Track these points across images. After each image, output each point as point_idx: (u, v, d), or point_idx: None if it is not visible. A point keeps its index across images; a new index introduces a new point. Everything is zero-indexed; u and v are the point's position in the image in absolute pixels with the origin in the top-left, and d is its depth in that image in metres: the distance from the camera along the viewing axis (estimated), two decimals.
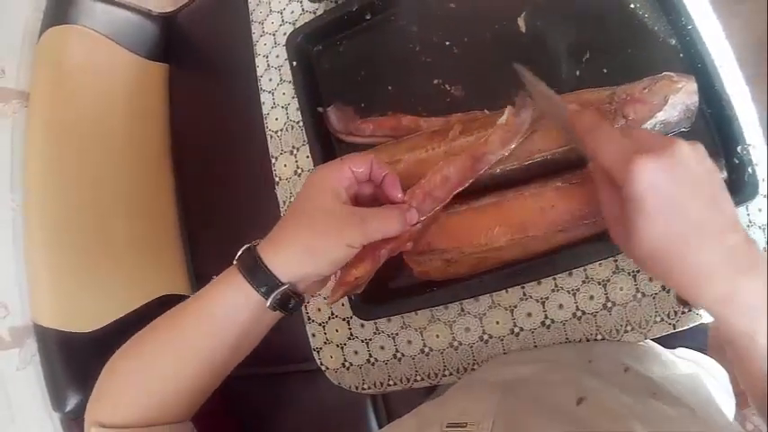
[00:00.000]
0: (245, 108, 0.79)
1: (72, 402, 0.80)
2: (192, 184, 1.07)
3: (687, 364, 0.64)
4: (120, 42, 1.00)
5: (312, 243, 0.45)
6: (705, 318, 0.54)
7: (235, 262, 0.46)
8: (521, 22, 0.60)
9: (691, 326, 0.55)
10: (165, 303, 0.97)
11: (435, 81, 0.61)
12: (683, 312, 0.55)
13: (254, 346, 0.51)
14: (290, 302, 0.46)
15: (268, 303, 0.45)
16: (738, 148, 0.51)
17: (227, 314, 0.46)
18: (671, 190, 0.36)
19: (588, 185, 0.50)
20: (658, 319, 0.55)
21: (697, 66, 0.53)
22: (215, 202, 1.04)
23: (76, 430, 0.81)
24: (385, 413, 0.96)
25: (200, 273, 1.04)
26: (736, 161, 0.51)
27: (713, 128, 0.53)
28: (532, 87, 0.48)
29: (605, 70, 0.56)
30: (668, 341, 0.63)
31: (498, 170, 0.52)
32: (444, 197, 0.51)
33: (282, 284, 0.44)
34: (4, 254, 0.83)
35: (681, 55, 0.55)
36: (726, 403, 0.68)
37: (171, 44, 1.12)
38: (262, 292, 0.45)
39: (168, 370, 0.48)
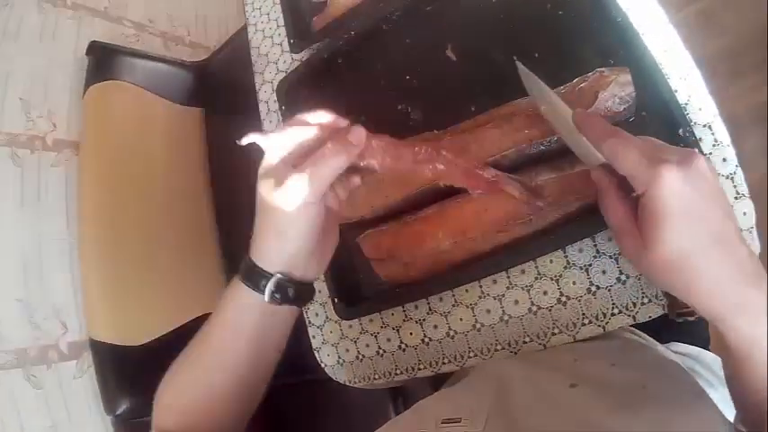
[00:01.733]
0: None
1: (122, 407, 0.92)
2: (227, 212, 1.21)
3: (681, 359, 0.66)
4: (158, 92, 1.15)
5: (275, 224, 0.47)
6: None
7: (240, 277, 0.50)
8: (449, 53, 0.69)
9: (651, 318, 0.56)
10: (206, 319, 1.09)
11: (399, 107, 0.71)
12: (643, 304, 0.57)
13: (281, 348, 0.54)
14: (288, 292, 0.48)
15: (266, 297, 0.47)
16: (680, 131, 0.53)
17: (237, 318, 0.50)
18: (695, 199, 0.37)
19: None
20: (616, 311, 0.58)
21: (633, 56, 0.56)
22: (248, 229, 1.16)
23: (126, 430, 0.93)
24: None
25: None
26: (682, 145, 0.52)
27: (657, 115, 0.56)
28: (533, 88, 0.52)
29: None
30: (663, 335, 0.67)
31: (442, 184, 0.60)
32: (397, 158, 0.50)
33: (272, 275, 0.47)
34: (63, 280, 0.97)
35: (620, 51, 0.58)
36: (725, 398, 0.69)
37: (204, 89, 1.25)
38: (257, 289, 0.48)
39: (201, 379, 0.53)
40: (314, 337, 0.76)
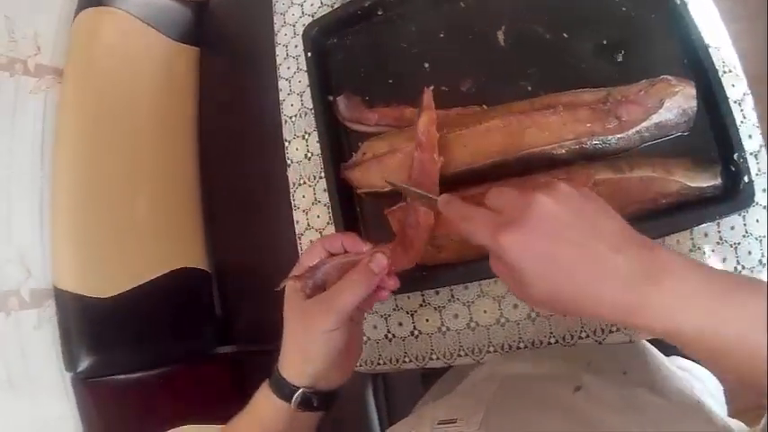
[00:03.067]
0: (265, 93, 0.84)
1: (84, 363, 0.87)
2: (214, 163, 1.15)
3: (681, 374, 0.67)
4: (154, 25, 1.07)
5: (300, 346, 0.52)
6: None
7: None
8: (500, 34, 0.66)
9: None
10: (181, 275, 1.04)
11: (445, 75, 0.66)
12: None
13: None
14: (312, 402, 0.52)
15: (292, 405, 0.51)
16: (735, 156, 0.53)
17: (268, 418, 0.53)
18: (540, 247, 0.39)
19: (574, 181, 0.53)
20: (584, 335, 0.59)
21: (698, 71, 0.56)
22: (233, 182, 1.12)
23: (85, 389, 0.87)
24: (386, 411, 1.00)
25: (217, 247, 1.12)
26: (733, 169, 0.54)
27: (711, 134, 0.56)
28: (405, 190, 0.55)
29: (608, 71, 0.60)
30: (663, 349, 0.67)
31: (487, 163, 0.57)
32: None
33: (298, 388, 0.51)
34: (30, 221, 0.90)
35: (684, 60, 0.58)
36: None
37: (202, 29, 1.19)
38: (284, 398, 0.51)
39: None
40: None
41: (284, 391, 0.52)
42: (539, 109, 0.57)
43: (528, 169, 0.57)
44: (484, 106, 0.62)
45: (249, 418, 0.55)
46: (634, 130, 0.55)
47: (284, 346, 0.53)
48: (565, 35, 0.63)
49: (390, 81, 0.70)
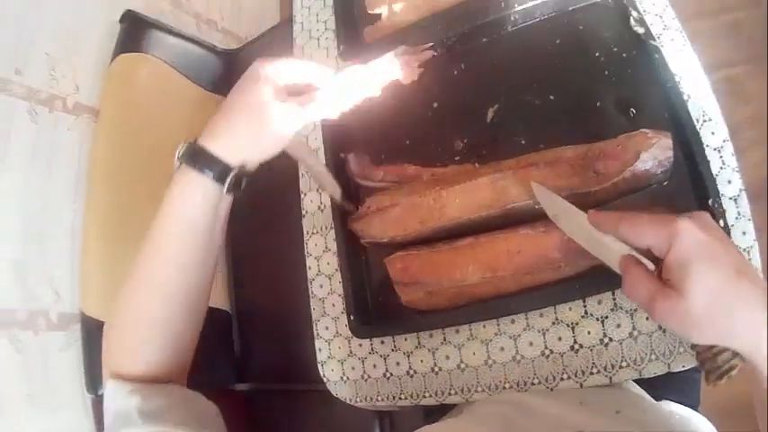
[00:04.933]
0: None
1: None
2: (237, 210, 1.21)
3: (674, 416, 0.70)
4: (185, 73, 1.16)
5: (254, 136, 0.54)
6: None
7: (179, 161, 0.54)
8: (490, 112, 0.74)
9: (656, 374, 0.62)
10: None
11: (443, 133, 0.75)
12: (650, 360, 0.62)
13: (218, 246, 0.58)
14: (241, 183, 0.55)
15: (225, 189, 0.53)
16: (710, 202, 0.58)
17: (192, 210, 0.54)
18: (712, 242, 0.43)
19: (553, 233, 0.60)
20: (624, 364, 0.63)
21: (677, 121, 0.62)
22: (255, 229, 1.17)
23: None
24: None
25: (239, 290, 1.19)
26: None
27: (690, 181, 0.62)
28: (547, 203, 0.59)
29: (592, 126, 0.67)
30: (657, 392, 0.70)
31: (476, 217, 0.64)
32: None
33: (233, 168, 0.53)
34: (62, 246, 0.98)
35: (665, 114, 0.64)
36: None
37: (233, 79, 1.25)
38: (215, 180, 0.53)
39: (156, 294, 0.56)
40: (320, 350, 0.79)
41: (218, 171, 0.52)
42: (524, 166, 0.64)
43: (511, 222, 0.63)
44: (476, 165, 0.69)
45: (163, 214, 0.55)
46: (611, 182, 0.60)
47: (230, 131, 0.54)
48: (551, 97, 0.71)
49: (398, 140, 0.78)
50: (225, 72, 1.27)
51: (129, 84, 1.07)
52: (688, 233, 0.44)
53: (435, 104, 0.77)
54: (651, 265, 0.48)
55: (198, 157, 0.53)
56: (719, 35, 1.44)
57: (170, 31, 1.16)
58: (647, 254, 0.48)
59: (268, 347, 1.13)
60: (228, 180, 0.53)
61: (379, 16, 0.84)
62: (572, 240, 0.58)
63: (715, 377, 0.46)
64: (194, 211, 0.54)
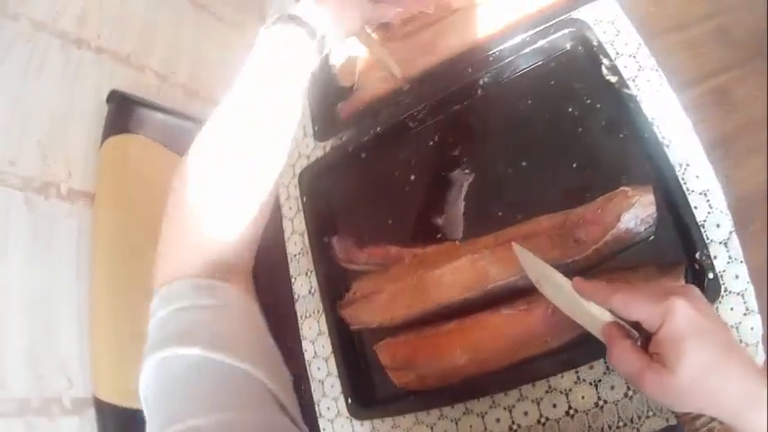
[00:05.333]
0: (278, 226, 0.93)
1: None
2: None
3: None
4: (175, 150, 1.17)
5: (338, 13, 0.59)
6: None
7: (281, 22, 0.55)
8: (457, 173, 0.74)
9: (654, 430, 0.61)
10: None
11: (422, 210, 0.76)
12: (647, 417, 0.61)
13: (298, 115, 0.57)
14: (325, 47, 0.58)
15: (319, 50, 0.57)
16: (697, 255, 0.57)
17: (285, 58, 0.56)
18: (702, 319, 0.44)
19: (535, 311, 0.60)
20: (621, 424, 0.62)
21: (657, 172, 0.61)
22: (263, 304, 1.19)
23: None
24: None
25: None
26: (697, 267, 0.58)
27: (675, 233, 0.60)
28: (528, 263, 0.58)
29: (571, 188, 0.66)
30: None
31: (459, 299, 0.64)
32: None
33: (331, 33, 0.58)
34: (70, 333, 0.99)
35: (645, 166, 0.63)
36: None
37: None
38: (309, 36, 0.55)
39: (235, 145, 0.54)
40: (324, 429, 0.79)
41: (309, 29, 0.55)
42: (501, 243, 0.64)
43: (494, 301, 0.64)
44: (457, 242, 0.70)
45: (263, 67, 0.55)
46: (593, 249, 0.59)
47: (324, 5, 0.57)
48: (524, 164, 0.70)
49: (379, 220, 0.78)
50: None
51: (122, 166, 1.09)
52: (681, 311, 0.45)
53: (413, 177, 0.77)
54: (635, 333, 0.49)
55: (292, 19, 0.56)
56: (702, 44, 1.41)
57: (157, 108, 1.17)
58: (633, 324, 0.49)
59: None
60: (319, 40, 0.56)
61: (350, 89, 0.85)
62: (555, 315, 0.59)
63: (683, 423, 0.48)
64: (288, 58, 0.55)
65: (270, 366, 0.47)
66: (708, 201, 0.62)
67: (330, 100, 0.87)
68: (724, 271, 0.60)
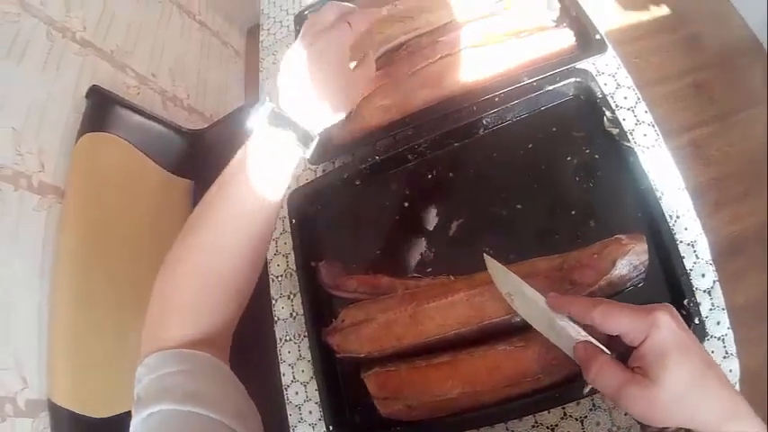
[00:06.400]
0: None
1: None
2: None
3: None
4: (150, 155, 1.15)
5: (333, 105, 0.58)
6: None
7: (267, 123, 0.56)
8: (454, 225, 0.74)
9: None
10: None
11: (415, 243, 0.75)
12: None
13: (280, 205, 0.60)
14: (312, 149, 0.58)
15: (308, 155, 0.58)
16: (685, 302, 0.60)
17: (271, 164, 0.57)
18: (683, 335, 0.46)
19: (531, 348, 0.61)
20: None
21: (651, 223, 0.63)
22: None
23: None
24: None
25: None
26: (684, 313, 0.60)
27: (664, 280, 0.63)
28: (501, 280, 0.59)
29: (564, 233, 0.68)
30: None
31: (453, 333, 0.64)
32: None
33: (315, 138, 0.57)
34: (28, 332, 0.95)
35: (638, 214, 0.65)
36: None
37: (197, 161, 1.26)
38: (300, 145, 0.56)
39: (221, 256, 0.56)
40: None
41: (302, 137, 0.56)
42: None
43: (488, 336, 0.64)
44: (451, 277, 0.70)
45: (248, 170, 0.56)
46: (587, 291, 0.60)
47: (316, 99, 0.57)
48: (518, 207, 0.72)
49: (368, 249, 0.77)
50: (189, 153, 1.26)
51: (94, 165, 1.06)
52: (666, 324, 0.46)
53: (406, 205, 0.77)
54: (607, 351, 0.50)
55: (285, 123, 0.56)
56: (682, 98, 1.48)
57: (135, 110, 1.15)
58: (609, 340, 0.50)
59: None
60: (311, 148, 0.57)
61: (347, 117, 0.83)
62: (550, 352, 0.60)
63: None
64: (273, 164, 0.57)
65: (238, 413, 0.51)
66: (695, 251, 0.66)
67: None
68: (707, 317, 0.63)
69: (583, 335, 0.52)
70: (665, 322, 0.46)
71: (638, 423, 0.51)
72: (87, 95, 1.09)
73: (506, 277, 0.59)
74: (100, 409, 0.95)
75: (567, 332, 0.52)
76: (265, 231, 0.60)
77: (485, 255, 0.61)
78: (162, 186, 1.18)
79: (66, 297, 0.98)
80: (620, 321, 0.48)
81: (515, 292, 0.58)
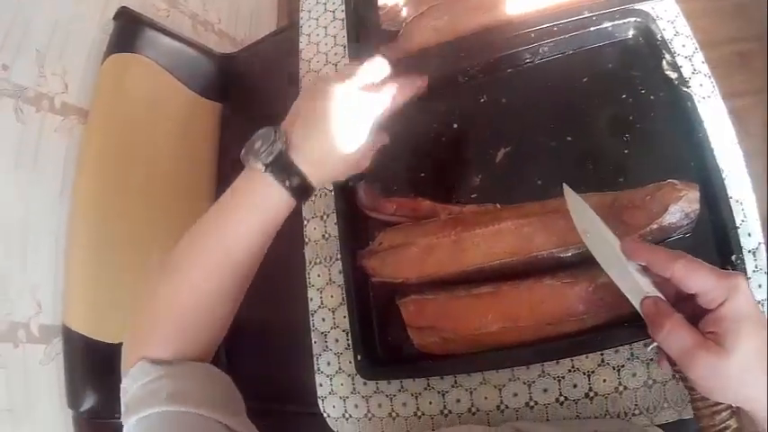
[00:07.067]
0: None
1: (88, 403, 0.89)
2: None
3: None
4: (179, 77, 1.11)
5: (345, 170, 0.57)
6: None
7: (266, 165, 0.52)
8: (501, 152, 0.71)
9: (667, 422, 0.62)
10: None
11: (460, 169, 0.72)
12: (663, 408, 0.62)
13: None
14: (310, 194, 0.56)
15: (303, 205, 0.57)
16: (733, 258, 0.58)
17: (266, 220, 0.55)
18: (758, 308, 0.45)
19: (578, 285, 0.58)
20: (637, 411, 0.63)
21: (703, 173, 0.61)
22: None
23: (87, 429, 0.90)
24: None
25: None
26: (729, 269, 0.58)
27: (711, 235, 0.61)
28: (578, 212, 0.56)
29: (614, 172, 0.66)
30: None
31: (498, 263, 0.61)
32: None
33: (314, 189, 0.55)
34: (46, 256, 0.93)
35: (691, 163, 0.63)
36: None
37: (227, 85, 1.23)
38: (294, 195, 0.54)
39: (206, 287, 0.55)
40: (321, 385, 0.75)
41: (298, 186, 0.53)
42: (549, 212, 0.61)
43: (534, 270, 0.61)
44: (497, 205, 0.66)
45: (248, 210, 0.55)
46: (637, 234, 0.58)
47: (322, 152, 0.54)
48: (569, 138, 0.69)
49: (412, 170, 0.74)
50: (219, 77, 1.23)
51: (121, 85, 1.03)
52: (746, 292, 0.44)
53: (455, 126, 0.74)
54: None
55: (285, 170, 0.53)
56: (725, 65, 1.43)
57: (165, 32, 1.11)
58: (676, 302, 0.48)
59: (257, 366, 1.07)
60: (305, 198, 0.56)
61: (394, 34, 0.79)
62: (596, 292, 0.58)
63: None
64: (267, 214, 0.55)
65: (227, 408, 0.52)
66: (743, 209, 0.64)
67: (370, 39, 0.82)
68: (749, 279, 0.61)
69: (653, 290, 0.49)
70: (746, 289, 0.44)
71: (679, 378, 0.49)
72: (115, 17, 1.05)
73: (584, 213, 0.55)
74: (115, 335, 0.92)
75: (638, 283, 0.50)
76: (256, 264, 0.59)
77: (564, 185, 0.57)
78: (190, 108, 1.15)
79: (85, 221, 0.95)
80: (705, 278, 0.45)
81: (591, 229, 0.54)
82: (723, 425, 0.46)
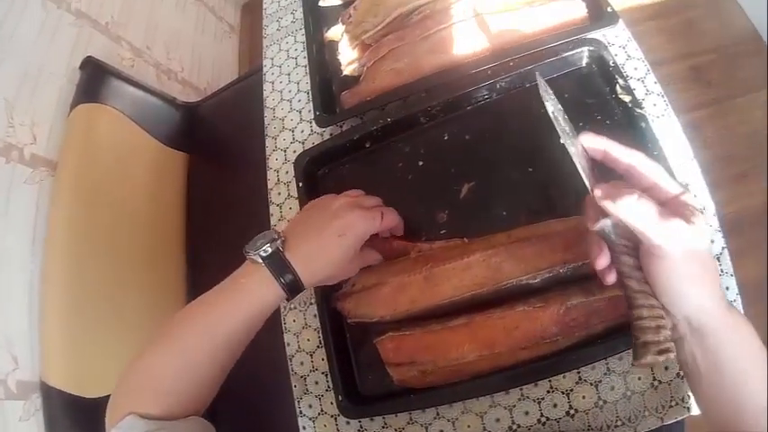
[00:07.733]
0: (256, 206, 0.89)
1: None
2: (203, 267, 1.18)
3: None
4: (144, 127, 1.12)
5: (332, 273, 0.61)
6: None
7: (263, 261, 0.57)
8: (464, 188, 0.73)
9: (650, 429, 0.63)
10: None
11: (425, 207, 0.74)
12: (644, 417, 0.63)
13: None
14: (300, 292, 0.60)
15: (291, 303, 0.61)
16: None
17: (260, 308, 0.58)
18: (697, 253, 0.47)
19: (550, 309, 0.60)
20: (619, 423, 0.63)
21: None
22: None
23: None
24: None
25: None
26: None
27: None
28: (548, 99, 0.55)
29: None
30: None
31: (469, 295, 0.62)
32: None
33: (304, 286, 0.59)
34: (19, 311, 0.91)
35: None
36: None
37: (192, 133, 1.24)
38: (288, 292, 0.58)
39: (193, 364, 0.58)
40: (304, 428, 0.74)
41: (291, 285, 0.57)
42: (515, 242, 0.63)
43: (505, 298, 0.62)
44: (465, 239, 0.68)
45: (244, 298, 0.58)
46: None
47: (321, 263, 0.59)
48: (530, 170, 0.71)
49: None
50: (184, 126, 1.24)
51: (88, 136, 1.03)
52: (675, 249, 0.46)
53: (420, 164, 0.76)
54: None
55: (279, 266, 0.58)
56: (680, 81, 1.49)
57: (130, 81, 1.12)
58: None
59: (240, 414, 1.05)
60: (295, 296, 0.59)
61: (355, 79, 0.82)
62: (568, 313, 0.59)
63: (651, 353, 0.47)
64: (262, 310, 0.59)
65: None
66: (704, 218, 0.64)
67: (332, 85, 0.85)
68: None
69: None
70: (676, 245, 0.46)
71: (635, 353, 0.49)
72: (82, 66, 1.06)
73: (551, 95, 0.55)
74: (93, 389, 0.91)
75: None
76: (247, 340, 0.61)
77: (536, 73, 0.58)
78: (156, 159, 1.16)
79: (59, 273, 0.95)
80: (637, 221, 0.45)
81: (560, 116, 0.55)
82: (665, 345, 0.46)
